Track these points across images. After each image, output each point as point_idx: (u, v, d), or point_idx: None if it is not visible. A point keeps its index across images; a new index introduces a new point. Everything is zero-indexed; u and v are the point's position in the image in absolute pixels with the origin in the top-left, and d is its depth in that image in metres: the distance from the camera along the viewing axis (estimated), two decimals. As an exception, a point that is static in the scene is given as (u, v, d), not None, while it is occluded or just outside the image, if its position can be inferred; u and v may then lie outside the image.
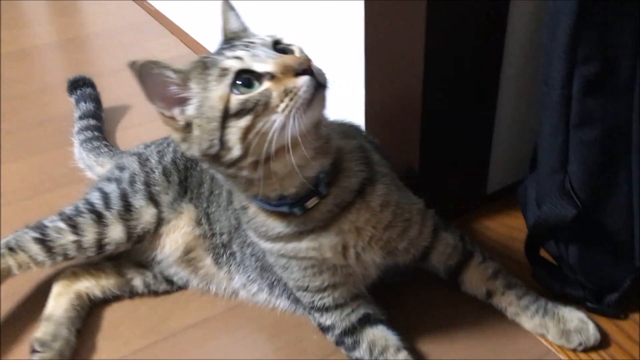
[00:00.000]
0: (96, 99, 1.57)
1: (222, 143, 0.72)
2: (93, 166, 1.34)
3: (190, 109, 0.74)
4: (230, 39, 0.80)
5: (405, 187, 0.96)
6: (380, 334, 0.92)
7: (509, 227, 1.19)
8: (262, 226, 0.85)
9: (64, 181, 1.39)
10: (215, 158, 0.75)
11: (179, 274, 1.09)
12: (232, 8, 0.84)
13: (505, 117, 1.18)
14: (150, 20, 2.21)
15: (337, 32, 1.28)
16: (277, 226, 0.84)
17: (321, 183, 0.81)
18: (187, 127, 0.75)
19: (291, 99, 0.70)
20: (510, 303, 0.98)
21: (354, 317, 0.93)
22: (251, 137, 0.71)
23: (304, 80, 0.71)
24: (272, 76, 0.71)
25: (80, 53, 2.09)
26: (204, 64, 0.75)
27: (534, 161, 1.03)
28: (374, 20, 1.09)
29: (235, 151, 0.72)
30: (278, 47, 0.77)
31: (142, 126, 1.57)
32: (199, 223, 1.05)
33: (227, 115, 0.71)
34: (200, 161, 0.80)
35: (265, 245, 0.87)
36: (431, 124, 1.08)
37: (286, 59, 0.73)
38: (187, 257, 1.06)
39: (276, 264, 0.91)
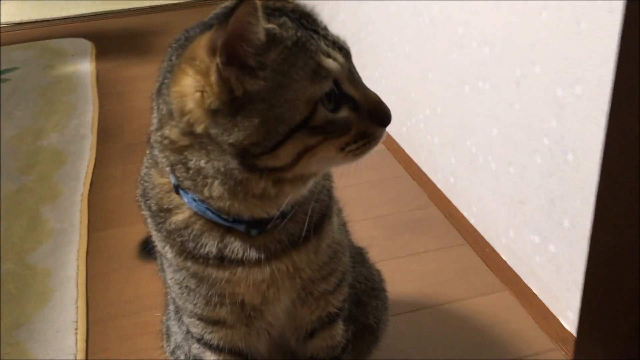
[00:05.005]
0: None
1: (273, 148, 0.61)
2: None
3: (258, 86, 0.59)
4: (305, 16, 0.65)
5: (348, 233, 0.89)
6: None
7: None
8: (191, 241, 0.71)
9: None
10: (248, 155, 0.61)
11: None
12: None
13: None
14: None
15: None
16: (210, 245, 0.71)
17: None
18: (234, 101, 0.59)
19: (363, 144, 0.63)
20: None
21: None
22: (303, 156, 0.62)
23: (383, 134, 0.64)
24: (355, 107, 0.63)
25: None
26: (297, 42, 0.60)
27: None
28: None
29: (280, 162, 0.62)
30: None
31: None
32: None
33: (303, 125, 0.60)
34: (209, 143, 0.63)
35: (184, 263, 0.73)
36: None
37: (380, 101, 0.64)
38: None
39: (182, 284, 0.77)
